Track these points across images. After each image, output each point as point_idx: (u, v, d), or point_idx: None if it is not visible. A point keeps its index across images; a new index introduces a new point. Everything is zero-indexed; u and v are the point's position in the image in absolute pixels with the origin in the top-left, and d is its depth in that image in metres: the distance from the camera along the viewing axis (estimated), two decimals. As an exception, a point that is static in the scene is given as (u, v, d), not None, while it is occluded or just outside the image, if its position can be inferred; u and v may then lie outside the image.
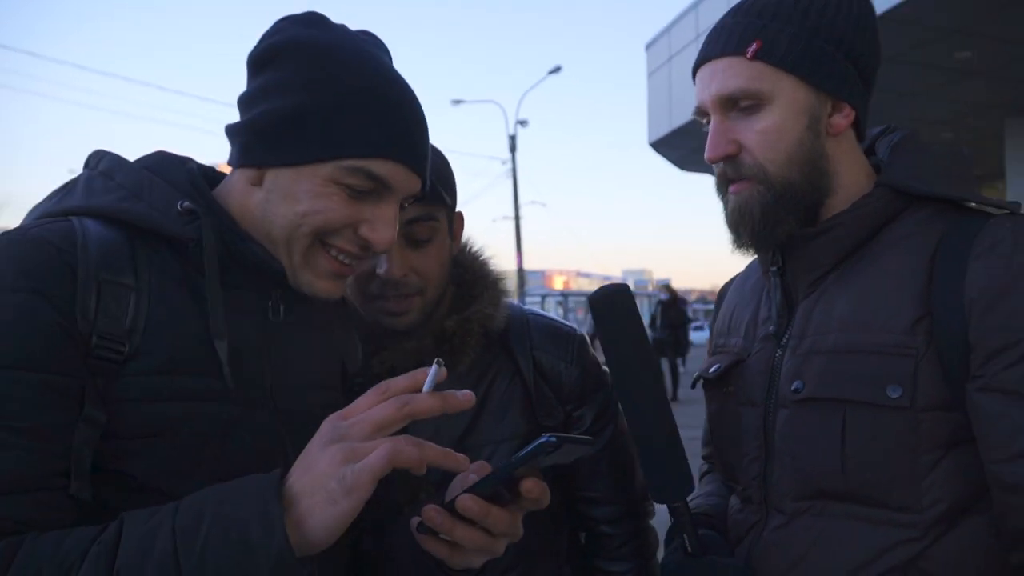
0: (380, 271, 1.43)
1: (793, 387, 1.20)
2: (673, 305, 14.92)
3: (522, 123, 27.58)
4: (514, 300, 1.70)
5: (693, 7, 12.74)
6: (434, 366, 0.89)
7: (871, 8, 1.25)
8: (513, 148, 26.70)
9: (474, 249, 1.67)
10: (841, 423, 1.14)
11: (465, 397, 0.88)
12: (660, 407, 1.20)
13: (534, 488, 0.88)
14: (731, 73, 1.19)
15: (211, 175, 1.18)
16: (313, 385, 1.15)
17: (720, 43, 1.22)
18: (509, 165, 26.85)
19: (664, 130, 13.70)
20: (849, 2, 1.21)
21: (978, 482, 1.08)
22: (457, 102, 27.96)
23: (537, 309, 1.74)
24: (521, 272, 26.34)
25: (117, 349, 0.93)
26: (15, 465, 0.84)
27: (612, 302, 1.22)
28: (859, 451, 1.12)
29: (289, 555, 0.80)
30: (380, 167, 1.04)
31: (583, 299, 25.97)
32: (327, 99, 1.03)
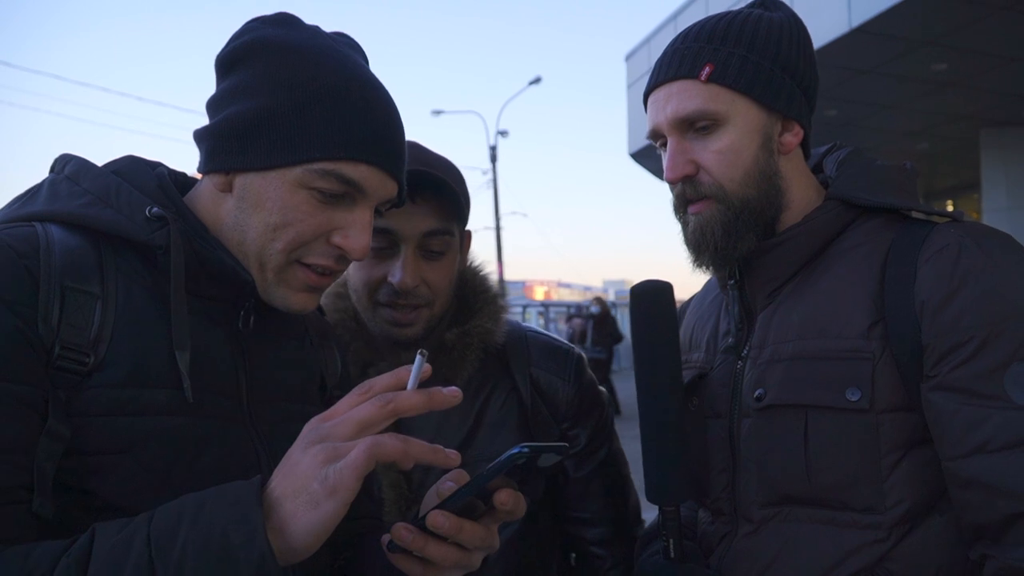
0: (393, 279, 1.42)
1: (756, 395, 1.22)
2: (604, 320, 13.86)
3: (502, 134, 27.60)
4: (513, 317, 1.69)
5: (672, 18, 12.83)
6: (417, 358, 0.85)
7: (809, 35, 1.30)
8: (494, 158, 26.71)
9: (475, 264, 1.67)
10: (803, 428, 1.16)
11: (452, 393, 0.84)
12: (676, 409, 1.21)
13: (508, 500, 0.84)
14: (686, 96, 1.22)
15: (182, 181, 1.14)
16: (290, 397, 1.11)
17: (673, 67, 1.25)
18: (490, 175, 26.85)
19: (644, 141, 13.55)
20: (790, 30, 1.26)
21: (939, 481, 1.11)
22: (437, 113, 27.96)
23: (536, 327, 1.74)
24: (502, 282, 26.17)
25: (81, 360, 0.89)
26: None
27: (654, 298, 1.23)
28: (822, 455, 1.15)
29: (271, 562, 0.75)
30: (352, 170, 1.00)
31: (563, 309, 25.95)
32: (295, 100, 0.99)
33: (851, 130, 12.42)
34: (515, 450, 0.79)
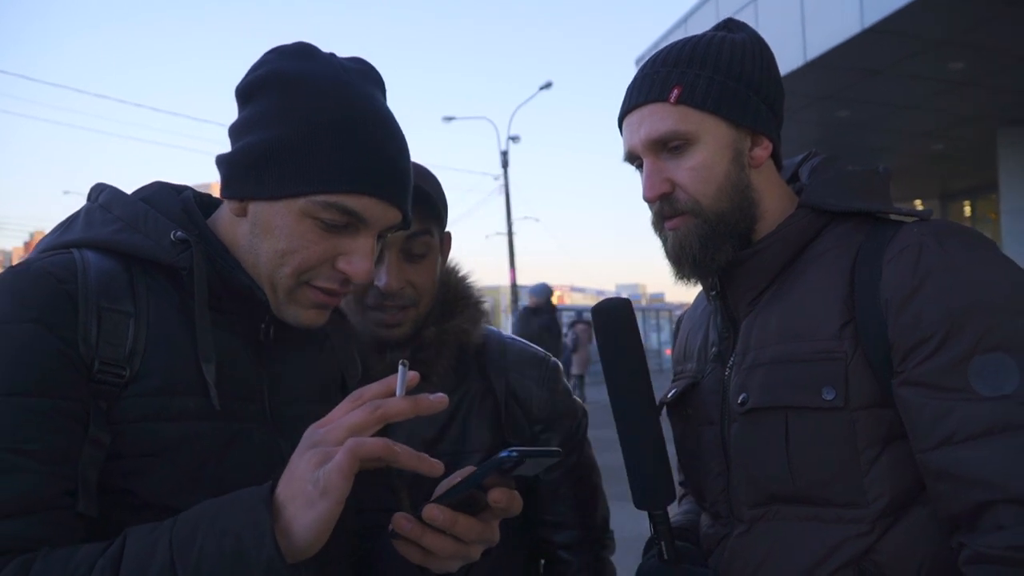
0: (379, 283, 1.48)
1: (739, 400, 1.27)
2: (537, 314, 10.78)
3: (514, 139, 27.66)
4: (494, 326, 1.77)
5: (682, 22, 12.81)
6: (400, 368, 0.93)
7: (771, 53, 1.36)
8: (505, 164, 26.77)
9: (457, 269, 1.73)
10: (784, 429, 1.21)
11: (438, 399, 0.93)
12: (649, 417, 1.28)
13: (501, 498, 0.92)
14: (657, 118, 1.28)
15: (208, 202, 1.22)
16: (312, 400, 1.18)
17: (644, 92, 1.31)
18: (501, 181, 26.91)
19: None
20: (753, 49, 1.32)
21: (917, 474, 1.15)
22: (449, 119, 28.04)
23: (514, 336, 1.81)
24: (515, 287, 26.33)
25: (118, 373, 0.97)
26: (28, 487, 0.89)
27: (613, 314, 1.32)
28: (803, 453, 1.20)
29: (279, 562, 0.84)
30: (354, 202, 1.06)
31: (574, 314, 25.92)
32: (302, 132, 1.05)
33: (865, 131, 12.35)
34: (504, 454, 0.85)
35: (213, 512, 0.88)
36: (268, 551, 0.83)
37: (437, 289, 1.61)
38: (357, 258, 1.09)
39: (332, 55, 1.15)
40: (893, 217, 1.24)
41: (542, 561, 1.75)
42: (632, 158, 1.35)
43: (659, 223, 1.34)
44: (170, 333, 1.04)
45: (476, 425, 1.60)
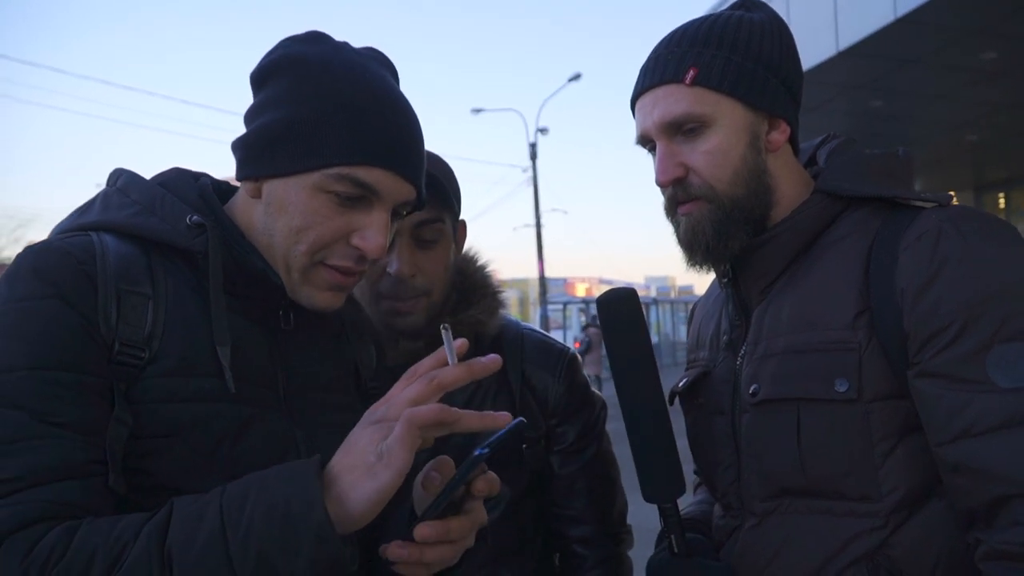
0: (390, 269, 1.48)
1: (751, 391, 1.25)
2: None
3: (542, 131, 27.59)
4: (511, 315, 1.75)
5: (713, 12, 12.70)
6: (444, 335, 0.93)
7: (790, 34, 1.31)
8: (534, 156, 26.71)
9: (476, 259, 1.72)
10: (796, 421, 1.18)
11: (492, 360, 0.93)
12: (658, 409, 1.26)
13: (484, 488, 0.94)
14: (673, 100, 1.24)
15: (225, 189, 1.23)
16: (326, 388, 1.19)
17: (658, 73, 1.27)
18: (530, 173, 26.87)
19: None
20: (772, 29, 1.28)
21: (933, 467, 1.12)
22: (477, 111, 28.06)
23: (535, 327, 1.79)
24: (543, 279, 26.32)
25: (137, 355, 0.99)
26: (62, 455, 0.89)
27: (619, 306, 1.28)
28: (815, 446, 1.17)
29: (329, 530, 0.85)
30: (367, 174, 1.07)
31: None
32: (315, 110, 1.06)
33: (897, 121, 12.20)
34: (476, 452, 0.87)
35: (262, 480, 0.89)
36: (318, 515, 0.85)
37: (454, 278, 1.61)
38: (371, 232, 1.09)
39: (344, 43, 1.17)
40: (912, 203, 1.21)
41: (556, 555, 1.73)
42: (645, 141, 1.32)
43: (672, 208, 1.31)
44: (187, 316, 1.04)
45: None
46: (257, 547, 0.85)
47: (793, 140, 1.33)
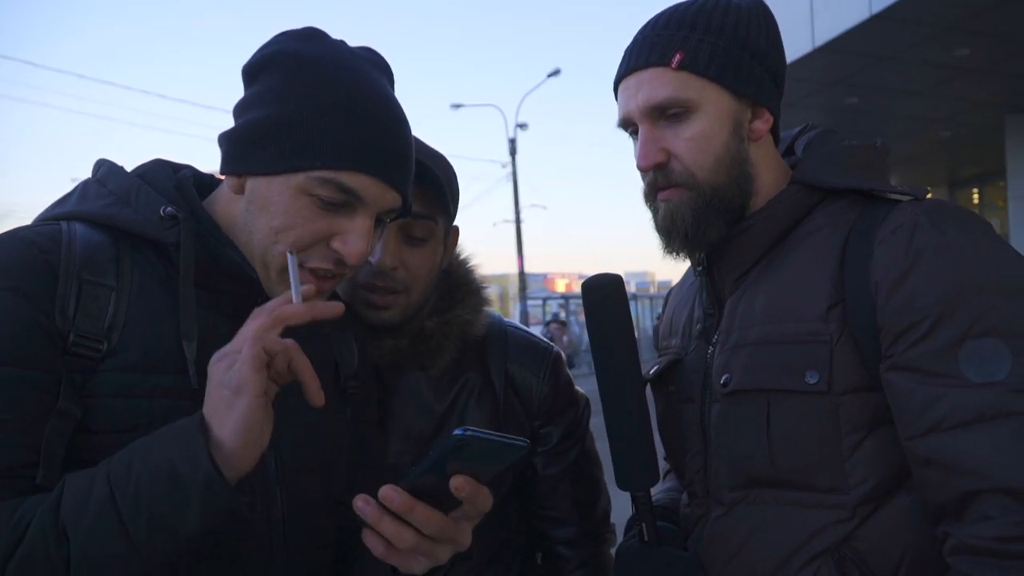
0: (372, 259, 1.43)
1: (722, 381, 1.24)
2: None
3: (522, 126, 27.63)
4: (495, 311, 1.71)
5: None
6: (290, 259, 0.95)
7: (775, 22, 1.30)
8: (513, 151, 26.71)
9: (459, 254, 1.68)
10: (766, 412, 1.18)
11: (334, 305, 0.97)
12: (635, 397, 1.26)
13: (463, 486, 0.87)
14: (658, 83, 1.22)
15: (208, 183, 1.21)
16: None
17: (644, 55, 1.25)
18: (509, 168, 26.87)
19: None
20: (758, 16, 1.27)
21: (902, 460, 1.12)
22: (457, 106, 27.99)
23: (517, 323, 1.75)
24: (523, 275, 26.34)
25: (95, 347, 0.98)
26: None
27: (604, 291, 1.28)
28: (784, 437, 1.17)
29: (217, 481, 0.85)
30: (351, 179, 1.05)
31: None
32: (305, 110, 1.05)
33: (873, 117, 12.30)
34: (458, 431, 0.81)
35: (146, 443, 0.89)
36: (204, 467, 0.84)
37: (437, 279, 1.57)
38: (352, 237, 1.07)
39: (341, 41, 1.15)
40: (889, 196, 1.20)
41: (539, 554, 1.72)
42: (627, 124, 1.29)
43: (651, 194, 1.28)
44: (153, 309, 1.03)
45: (472, 419, 1.55)
46: (149, 508, 0.85)
47: (775, 130, 1.33)
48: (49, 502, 0.87)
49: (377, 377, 1.48)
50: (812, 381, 1.14)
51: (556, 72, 25.35)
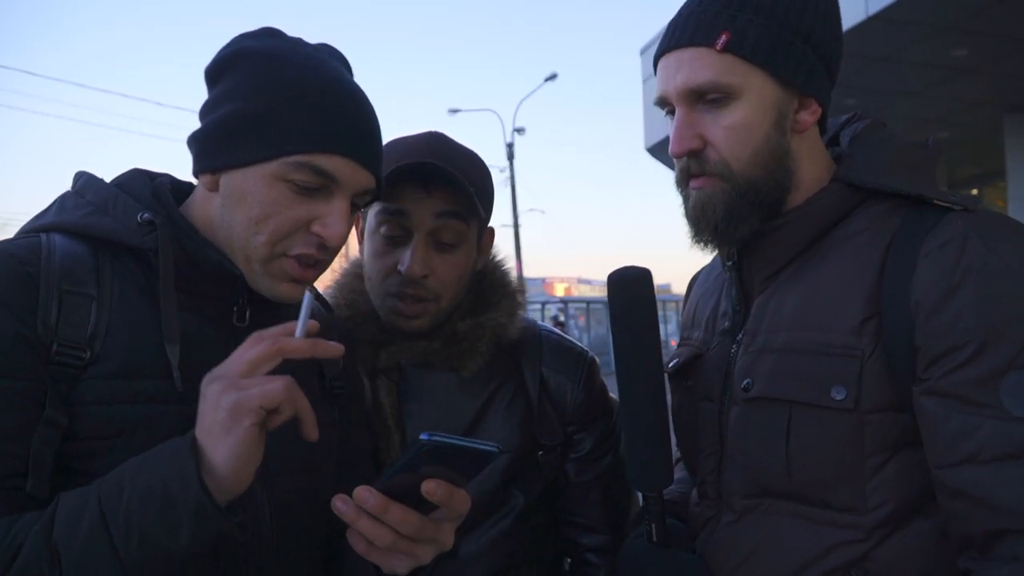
0: (401, 267, 1.42)
1: (743, 385, 1.19)
2: None
3: (519, 131, 27.64)
4: (531, 315, 1.68)
5: (687, 11, 12.73)
6: (306, 297, 0.94)
7: (836, 5, 1.21)
8: (511, 156, 26.74)
9: (495, 256, 1.66)
10: (786, 423, 1.13)
11: (335, 347, 0.94)
12: (656, 396, 1.21)
13: (435, 490, 0.89)
14: (699, 65, 1.15)
15: (186, 189, 1.22)
16: None
17: (688, 32, 1.17)
18: (507, 173, 26.90)
19: (660, 135, 13.69)
20: None
21: (924, 484, 1.07)
22: (454, 111, 28.07)
23: (552, 328, 1.71)
24: (521, 279, 26.25)
25: (78, 355, 0.99)
26: None
27: (631, 286, 1.21)
28: (803, 452, 1.12)
29: (207, 504, 0.85)
30: (325, 161, 1.07)
31: (583, 306, 25.90)
32: (272, 100, 1.06)
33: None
34: (424, 436, 0.84)
35: (137, 464, 0.89)
36: (195, 492, 0.85)
37: (470, 282, 1.55)
38: (332, 220, 1.08)
39: (299, 38, 1.17)
40: (936, 201, 1.12)
41: (567, 560, 1.68)
42: (663, 104, 1.22)
43: (684, 180, 1.22)
44: (134, 316, 1.04)
45: (503, 424, 1.51)
46: (140, 530, 0.85)
47: (822, 120, 1.25)
48: (42, 523, 0.87)
49: (403, 378, 1.49)
50: (838, 397, 1.08)
51: (553, 76, 25.38)
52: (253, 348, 0.92)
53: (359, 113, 1.11)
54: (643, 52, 15.12)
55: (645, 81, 14.88)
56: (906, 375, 1.06)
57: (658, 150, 14.86)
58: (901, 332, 1.06)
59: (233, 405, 0.86)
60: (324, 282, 1.59)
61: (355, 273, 1.60)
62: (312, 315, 1.33)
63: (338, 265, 1.61)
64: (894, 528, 1.09)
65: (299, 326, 0.94)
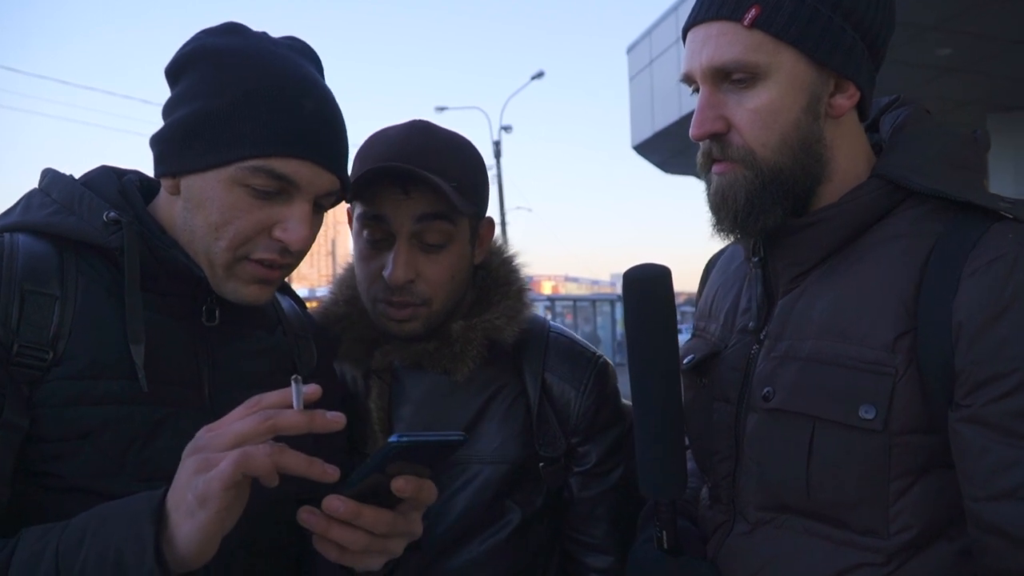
0: (385, 273, 1.36)
1: (764, 393, 1.12)
2: None
3: (506, 129, 27.59)
4: (541, 314, 1.57)
5: (673, 9, 12.75)
6: (294, 384, 0.87)
7: None
8: (498, 154, 26.69)
9: (502, 251, 1.57)
10: (809, 439, 1.06)
11: (333, 418, 0.87)
12: (671, 402, 1.13)
13: (405, 488, 0.87)
14: (725, 41, 1.06)
15: (156, 186, 1.19)
16: (257, 384, 1.11)
17: (715, 4, 1.08)
18: (494, 171, 26.85)
19: (647, 133, 13.69)
20: None
21: (950, 508, 1.02)
22: (441, 109, 27.95)
23: (566, 330, 1.59)
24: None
25: (40, 357, 0.97)
26: None
27: (650, 286, 1.12)
28: (825, 470, 1.05)
29: None
30: (283, 165, 1.04)
31: (570, 304, 25.93)
32: (228, 102, 1.04)
33: (856, 118, 12.35)
34: (393, 439, 0.82)
35: (101, 520, 0.86)
36: (148, 565, 0.81)
37: (469, 279, 1.48)
38: (293, 224, 1.07)
39: (263, 33, 1.14)
40: (984, 206, 1.02)
41: None
42: (689, 81, 1.13)
43: (706, 164, 1.14)
44: (99, 316, 1.02)
45: (499, 432, 1.43)
46: None
47: (863, 105, 1.14)
48: (2, 561, 0.85)
49: (396, 379, 1.45)
50: (867, 416, 1.01)
51: (540, 75, 25.36)
52: (244, 420, 0.86)
53: (320, 112, 1.08)
54: (629, 50, 15.13)
55: (632, 79, 14.89)
56: (940, 397, 0.99)
57: (644, 148, 14.86)
58: (939, 353, 0.98)
59: (201, 492, 0.81)
60: (326, 276, 1.57)
61: (347, 279, 1.56)
62: (292, 318, 1.31)
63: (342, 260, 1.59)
64: (915, 552, 1.03)
65: (295, 400, 0.88)
